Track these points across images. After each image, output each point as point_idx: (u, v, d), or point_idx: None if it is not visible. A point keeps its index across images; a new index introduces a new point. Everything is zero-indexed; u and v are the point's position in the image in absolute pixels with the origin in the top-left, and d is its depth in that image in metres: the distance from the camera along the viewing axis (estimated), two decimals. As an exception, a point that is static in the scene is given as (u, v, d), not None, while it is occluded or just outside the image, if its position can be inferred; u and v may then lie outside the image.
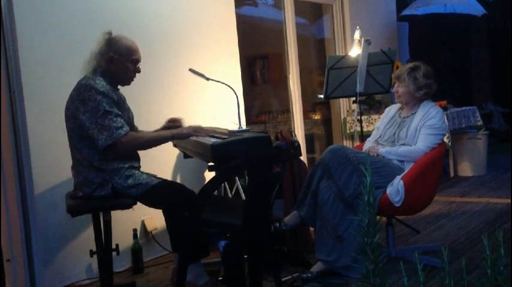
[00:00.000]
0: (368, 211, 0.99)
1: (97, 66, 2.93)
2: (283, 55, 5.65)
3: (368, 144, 3.62)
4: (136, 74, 3.04)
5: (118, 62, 2.93)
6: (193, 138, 2.93)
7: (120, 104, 2.93)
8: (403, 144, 3.37)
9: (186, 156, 3.59)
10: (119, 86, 3.04)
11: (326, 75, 4.33)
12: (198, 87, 4.14)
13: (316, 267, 3.19)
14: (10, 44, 3.22)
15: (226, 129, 3.19)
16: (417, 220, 4.31)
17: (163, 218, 3.16)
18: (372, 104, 6.01)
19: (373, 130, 3.76)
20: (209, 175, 3.92)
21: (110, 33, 2.97)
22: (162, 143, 2.97)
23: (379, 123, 3.68)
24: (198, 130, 2.88)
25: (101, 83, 2.83)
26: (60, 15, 3.44)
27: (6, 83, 3.22)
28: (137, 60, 3.01)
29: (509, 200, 4.76)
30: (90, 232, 3.11)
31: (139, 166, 3.07)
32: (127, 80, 3.03)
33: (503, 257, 1.04)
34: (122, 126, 2.77)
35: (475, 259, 3.11)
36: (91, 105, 2.76)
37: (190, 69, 3.32)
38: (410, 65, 3.50)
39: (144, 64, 3.10)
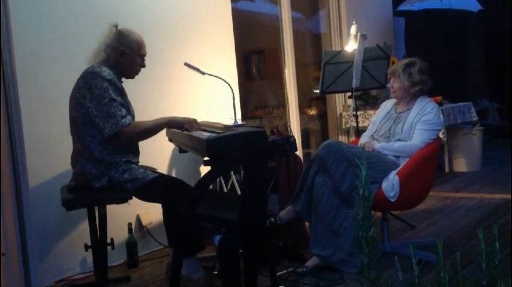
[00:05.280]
0: (363, 204, 0.99)
1: (106, 59, 2.98)
2: (279, 50, 5.63)
3: (364, 139, 3.63)
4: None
5: (128, 56, 3.00)
6: (187, 132, 2.93)
7: (125, 95, 2.96)
8: (399, 139, 3.37)
9: (181, 151, 3.59)
10: (123, 79, 3.07)
11: (322, 70, 4.33)
12: (194, 82, 4.13)
13: (311, 262, 3.20)
14: (5, 36, 3.19)
15: (221, 123, 3.19)
16: (412, 215, 4.31)
17: (158, 212, 3.15)
18: (367, 99, 6.01)
19: (368, 125, 3.76)
20: (204, 170, 3.92)
21: (116, 26, 3.03)
22: (158, 131, 3.01)
23: (374, 118, 3.68)
24: (191, 121, 2.91)
25: (107, 71, 2.88)
26: (55, 7, 3.42)
27: (1, 75, 3.20)
28: (144, 55, 3.09)
29: (504, 196, 4.77)
30: (85, 226, 3.11)
31: (138, 161, 3.07)
32: (133, 74, 3.11)
33: (498, 251, 1.04)
34: (126, 115, 2.83)
35: (469, 254, 3.12)
36: (97, 92, 2.80)
37: (186, 64, 3.32)
38: (406, 60, 3.51)
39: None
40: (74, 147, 2.97)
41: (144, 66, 3.11)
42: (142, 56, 3.07)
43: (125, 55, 2.99)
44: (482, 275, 1.03)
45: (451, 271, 1.12)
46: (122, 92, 2.93)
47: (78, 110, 2.87)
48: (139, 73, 3.19)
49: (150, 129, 2.95)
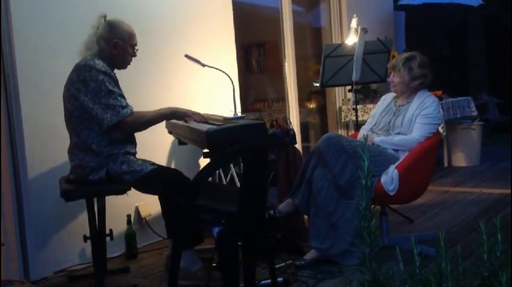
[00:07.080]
0: (365, 195, 0.99)
1: (99, 51, 2.95)
2: (279, 43, 5.62)
3: (363, 132, 3.62)
4: (133, 59, 3.07)
5: (121, 47, 2.98)
6: (187, 124, 2.93)
7: (119, 85, 2.95)
8: (398, 133, 3.36)
9: (180, 143, 3.58)
10: (115, 70, 3.05)
11: (322, 63, 4.32)
12: (194, 74, 4.12)
13: (310, 255, 3.20)
14: (5, 29, 3.19)
15: (221, 116, 3.18)
16: (411, 209, 4.31)
17: (157, 204, 3.15)
18: (367, 93, 6.00)
19: (368, 119, 3.76)
20: (204, 162, 3.91)
21: (105, 17, 2.99)
22: (161, 121, 3.03)
23: (374, 112, 3.67)
24: (195, 113, 2.91)
25: (100, 64, 2.86)
26: (56, 0, 3.41)
27: (1, 67, 3.19)
28: (136, 45, 3.07)
29: (503, 191, 4.78)
30: (83, 217, 3.10)
31: (135, 152, 3.06)
32: (125, 64, 3.08)
33: (500, 242, 1.04)
34: (126, 105, 2.83)
35: (469, 247, 3.11)
36: (92, 85, 2.78)
37: (186, 55, 3.31)
38: (406, 54, 3.50)
39: (140, 49, 3.10)
40: (71, 141, 2.95)
41: (135, 55, 3.08)
42: (133, 46, 3.04)
43: (118, 46, 2.97)
44: (484, 267, 1.03)
45: (452, 263, 1.12)
46: (117, 83, 2.92)
47: (73, 104, 2.85)
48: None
49: (153, 120, 2.94)
